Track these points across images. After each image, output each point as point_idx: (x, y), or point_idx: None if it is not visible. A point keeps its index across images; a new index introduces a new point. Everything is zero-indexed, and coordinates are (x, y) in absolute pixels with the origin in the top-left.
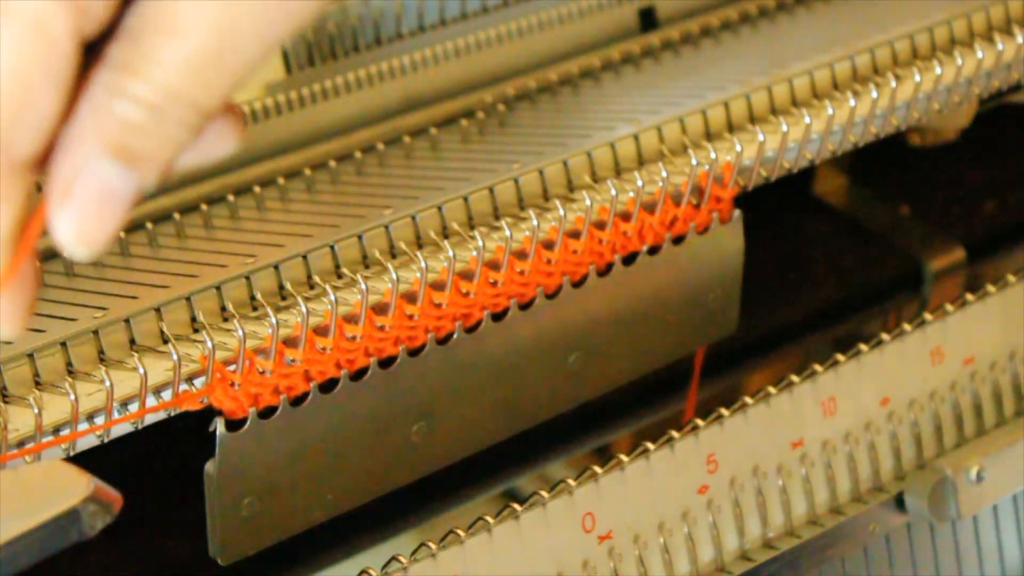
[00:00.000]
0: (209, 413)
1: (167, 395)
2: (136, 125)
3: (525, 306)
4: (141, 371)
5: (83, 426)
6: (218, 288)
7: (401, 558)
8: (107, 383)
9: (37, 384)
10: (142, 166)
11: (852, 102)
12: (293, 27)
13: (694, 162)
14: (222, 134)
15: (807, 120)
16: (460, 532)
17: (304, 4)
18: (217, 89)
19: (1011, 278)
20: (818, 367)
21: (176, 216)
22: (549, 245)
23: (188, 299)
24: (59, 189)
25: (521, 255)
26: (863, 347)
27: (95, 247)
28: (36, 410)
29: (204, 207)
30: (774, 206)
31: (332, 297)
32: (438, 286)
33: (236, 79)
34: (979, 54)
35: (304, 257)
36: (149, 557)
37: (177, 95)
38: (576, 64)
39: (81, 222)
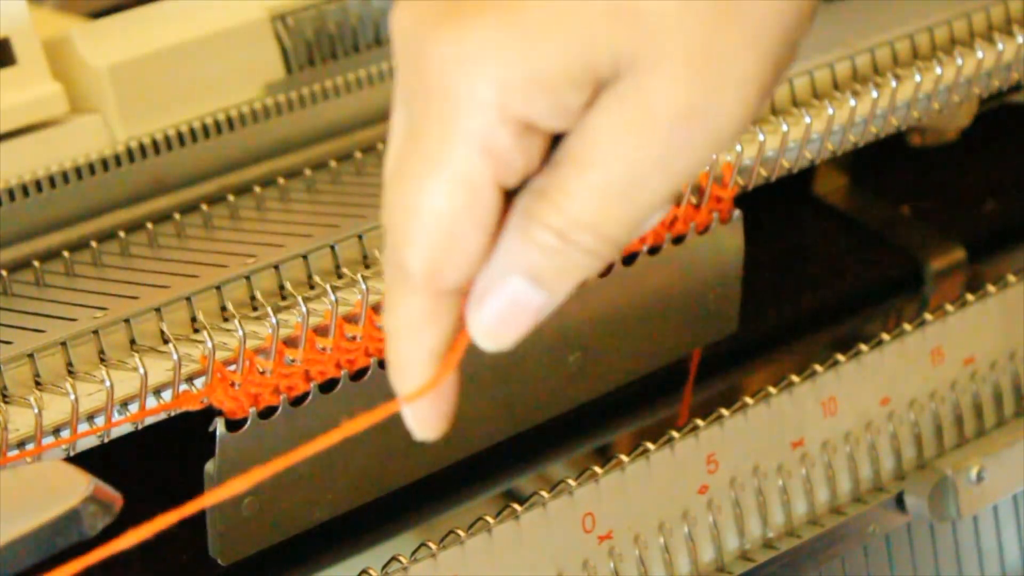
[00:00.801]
0: (209, 413)
1: (167, 395)
2: (546, 249)
3: None
4: (141, 371)
5: (83, 427)
6: (218, 288)
7: (401, 558)
8: (107, 383)
9: (37, 384)
10: (550, 286)
11: (852, 102)
12: (697, 166)
13: None
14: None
15: (807, 120)
16: (460, 532)
17: (707, 144)
18: (624, 222)
19: (1011, 278)
20: (818, 367)
21: (176, 216)
22: None
23: (188, 299)
24: (475, 296)
25: None
26: (863, 347)
27: (504, 346)
28: (36, 410)
29: (204, 207)
30: (774, 206)
31: (332, 297)
32: None
33: (644, 213)
34: (979, 54)
35: (304, 257)
36: (149, 557)
37: (585, 225)
38: None
39: (491, 326)
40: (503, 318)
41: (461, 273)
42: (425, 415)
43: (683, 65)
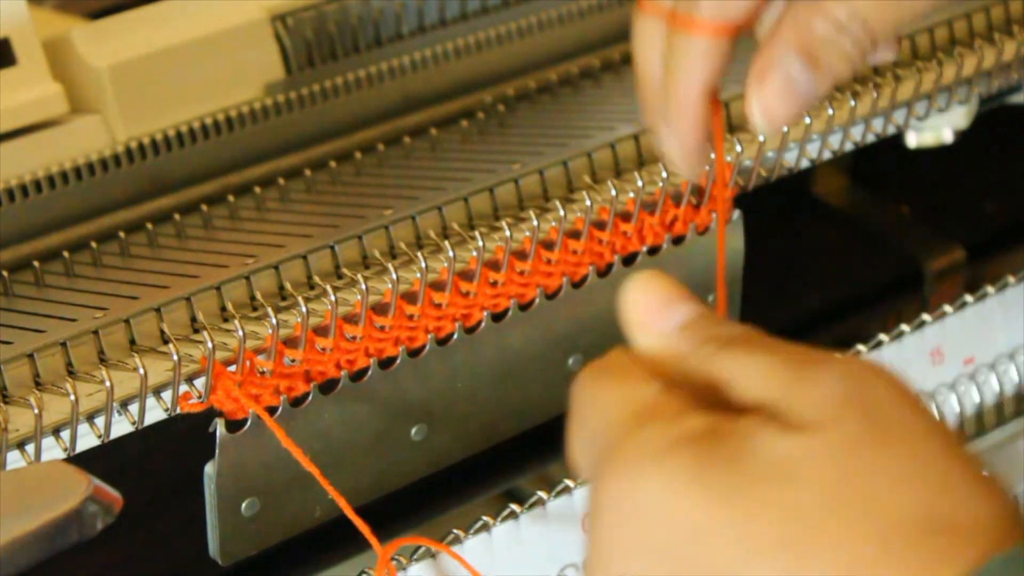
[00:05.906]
0: (209, 414)
1: (167, 395)
2: (824, 37)
3: (525, 307)
4: (141, 371)
5: (83, 426)
6: (218, 288)
7: (401, 558)
8: (107, 383)
9: (37, 384)
10: (820, 72)
11: (852, 102)
12: None
13: None
14: (885, 52)
15: (807, 120)
16: (460, 532)
17: None
18: (890, 23)
19: (1011, 278)
20: None
21: (176, 216)
22: (549, 245)
23: (188, 299)
24: (756, 72)
25: (521, 255)
26: (863, 347)
27: (774, 126)
28: (36, 410)
29: (204, 207)
30: (774, 206)
31: (332, 297)
32: (438, 286)
33: (907, 19)
34: (979, 54)
35: (304, 257)
36: (149, 557)
37: (861, 20)
38: (576, 64)
39: (768, 102)
40: (779, 95)
41: (741, 11)
42: (691, 150)
43: None
